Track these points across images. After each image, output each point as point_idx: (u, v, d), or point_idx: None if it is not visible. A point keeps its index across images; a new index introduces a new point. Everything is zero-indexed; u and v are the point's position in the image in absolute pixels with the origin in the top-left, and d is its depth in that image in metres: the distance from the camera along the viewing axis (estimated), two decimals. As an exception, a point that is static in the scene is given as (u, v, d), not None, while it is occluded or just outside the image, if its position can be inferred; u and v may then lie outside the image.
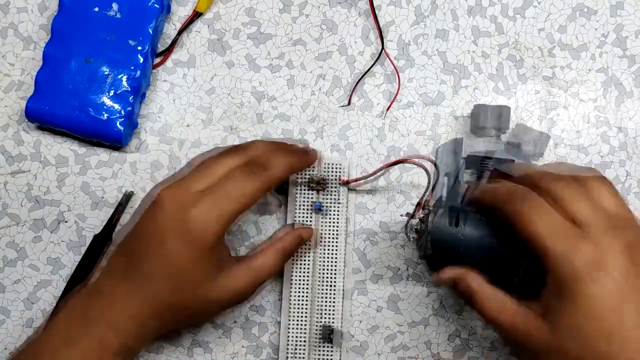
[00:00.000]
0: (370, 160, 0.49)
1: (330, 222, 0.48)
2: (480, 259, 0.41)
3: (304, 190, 0.48)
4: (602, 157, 0.49)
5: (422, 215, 0.43)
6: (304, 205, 0.47)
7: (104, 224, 0.48)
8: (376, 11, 0.50)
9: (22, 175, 0.49)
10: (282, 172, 0.43)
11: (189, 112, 0.50)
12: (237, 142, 0.49)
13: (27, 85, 0.50)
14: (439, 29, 0.50)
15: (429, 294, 0.48)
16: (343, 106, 0.48)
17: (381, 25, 0.50)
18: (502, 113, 0.46)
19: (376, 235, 0.49)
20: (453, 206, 0.42)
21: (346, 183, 0.48)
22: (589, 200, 0.37)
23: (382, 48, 0.49)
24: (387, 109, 0.49)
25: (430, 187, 0.44)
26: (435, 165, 0.43)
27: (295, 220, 0.47)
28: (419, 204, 0.44)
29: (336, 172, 0.48)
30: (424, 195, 0.44)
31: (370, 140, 0.49)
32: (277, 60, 0.50)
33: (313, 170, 0.47)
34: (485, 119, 0.46)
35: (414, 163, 0.45)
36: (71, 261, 0.48)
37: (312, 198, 0.48)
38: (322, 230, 0.47)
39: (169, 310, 0.41)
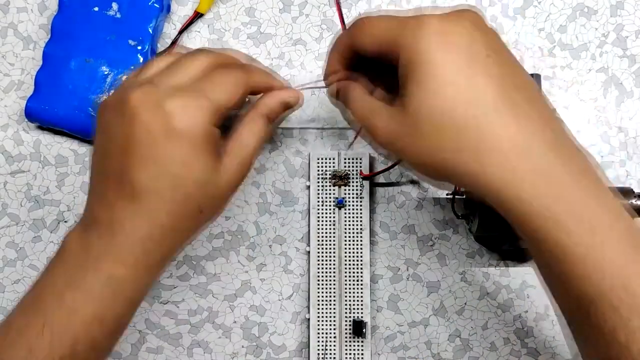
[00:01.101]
0: (373, 160, 0.49)
1: (353, 217, 0.47)
2: None
3: (326, 185, 0.48)
4: (602, 157, 0.49)
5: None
6: (326, 201, 0.48)
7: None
8: (377, 11, 0.50)
9: (21, 175, 0.49)
10: (261, 77, 0.40)
11: None
12: None
13: (27, 85, 0.50)
14: (439, 29, 0.50)
15: (429, 294, 0.48)
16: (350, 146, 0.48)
17: None
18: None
19: (376, 235, 0.49)
20: None
21: (368, 177, 0.48)
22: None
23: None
24: (355, 138, 0.49)
25: None
26: None
27: (317, 218, 0.47)
28: None
29: (357, 166, 0.48)
30: None
31: (371, 140, 0.49)
32: (277, 60, 0.50)
33: (334, 166, 0.48)
34: None
35: None
36: None
37: (334, 194, 0.48)
38: (346, 225, 0.47)
39: (182, 221, 0.37)
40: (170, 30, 0.50)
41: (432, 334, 0.48)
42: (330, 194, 0.48)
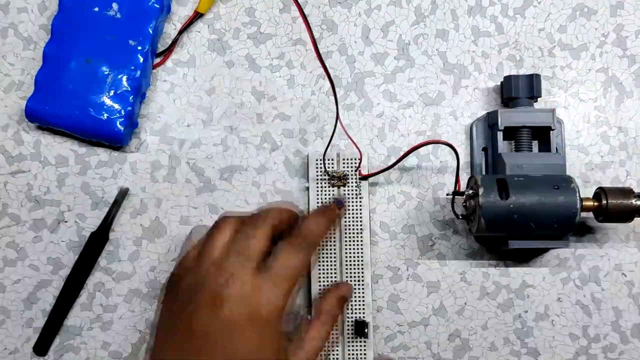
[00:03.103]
0: (370, 160, 0.49)
1: (353, 217, 0.47)
2: (535, 221, 0.42)
3: (324, 186, 0.47)
4: (602, 157, 0.49)
5: (471, 192, 0.44)
6: (325, 202, 0.47)
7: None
8: (376, 11, 0.50)
9: (22, 175, 0.49)
10: (321, 235, 0.43)
11: (189, 112, 0.49)
12: (236, 142, 0.49)
13: (27, 85, 0.49)
14: (439, 29, 0.50)
15: (429, 294, 0.48)
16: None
17: (381, 26, 0.50)
18: (533, 81, 0.46)
19: (376, 235, 0.49)
20: (499, 179, 0.43)
21: (366, 177, 0.47)
22: None
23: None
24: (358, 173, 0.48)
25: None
26: (453, 147, 0.44)
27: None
28: (457, 180, 0.45)
29: (354, 166, 0.48)
30: (457, 170, 0.45)
31: (371, 141, 0.49)
32: (277, 60, 0.50)
33: (332, 167, 0.47)
34: (517, 89, 0.47)
35: (440, 142, 0.46)
36: (71, 261, 0.48)
37: (333, 195, 0.47)
38: (346, 225, 0.47)
39: None
40: (170, 30, 0.50)
41: (432, 334, 0.48)
42: (329, 194, 0.48)
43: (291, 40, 0.50)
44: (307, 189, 0.48)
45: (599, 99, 0.49)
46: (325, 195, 0.47)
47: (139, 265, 0.48)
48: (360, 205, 0.47)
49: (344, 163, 0.48)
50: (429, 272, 0.48)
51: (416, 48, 0.50)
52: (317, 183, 0.48)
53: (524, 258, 0.48)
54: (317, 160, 0.48)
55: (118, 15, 0.48)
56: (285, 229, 0.42)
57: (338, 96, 0.49)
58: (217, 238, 0.41)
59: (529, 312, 0.48)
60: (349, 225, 0.47)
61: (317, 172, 0.48)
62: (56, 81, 0.47)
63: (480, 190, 0.43)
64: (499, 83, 0.49)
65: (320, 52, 0.49)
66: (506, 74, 0.49)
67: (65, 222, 0.49)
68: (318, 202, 0.47)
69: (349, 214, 0.47)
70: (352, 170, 0.48)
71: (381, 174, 0.48)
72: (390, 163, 0.46)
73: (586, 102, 0.49)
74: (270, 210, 0.42)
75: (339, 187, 0.47)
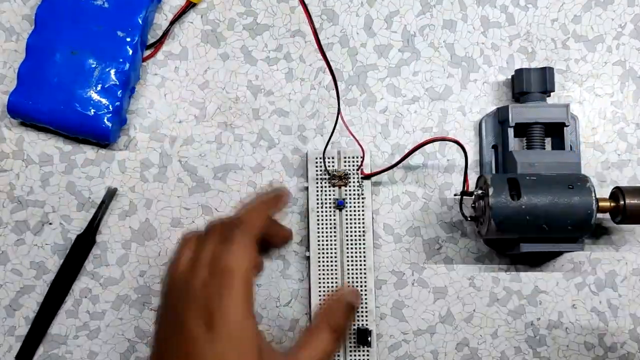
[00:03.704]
0: (373, 158, 0.47)
1: (355, 219, 0.46)
2: (548, 222, 0.41)
3: (324, 186, 0.46)
4: (619, 155, 0.48)
5: (480, 192, 0.43)
6: (325, 202, 0.46)
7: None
8: (379, 0, 0.49)
9: (3, 175, 0.48)
10: (258, 220, 0.40)
11: (181, 107, 0.48)
12: (231, 140, 0.48)
13: (9, 78, 0.48)
14: (446, 20, 0.49)
15: (436, 300, 0.47)
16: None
17: (385, 16, 0.48)
18: (546, 75, 0.45)
19: (380, 238, 0.47)
20: (510, 178, 0.42)
21: (368, 176, 0.46)
22: None
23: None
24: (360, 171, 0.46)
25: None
26: (461, 145, 0.43)
27: (317, 220, 0.45)
28: (465, 180, 0.44)
29: (356, 164, 0.46)
30: (465, 169, 0.44)
31: (374, 138, 0.48)
32: (275, 52, 0.48)
33: (332, 165, 0.46)
34: (529, 83, 0.45)
35: (447, 140, 0.44)
36: (56, 265, 0.47)
37: (333, 195, 0.46)
38: (347, 227, 0.46)
39: None
40: (161, 20, 0.49)
41: (439, 343, 0.47)
42: (329, 194, 0.46)
43: (289, 32, 0.49)
44: (306, 189, 0.46)
45: (616, 93, 0.48)
46: (326, 195, 0.46)
47: (127, 270, 0.47)
48: (363, 207, 0.46)
49: (345, 161, 0.46)
50: (436, 277, 0.47)
51: (422, 40, 0.49)
52: (317, 183, 0.46)
53: (537, 262, 0.47)
54: (316, 158, 0.46)
55: (106, 5, 0.47)
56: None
57: (339, 90, 0.48)
58: (195, 251, 0.39)
59: (541, 319, 0.47)
60: (351, 228, 0.46)
61: (316, 171, 0.46)
62: (40, 74, 0.46)
63: (490, 190, 0.42)
64: (509, 77, 0.48)
65: (320, 44, 0.48)
66: (517, 67, 0.48)
67: (50, 224, 0.47)
68: (318, 203, 0.46)
69: (350, 215, 0.45)
70: (353, 169, 0.46)
71: (385, 173, 0.46)
72: (394, 161, 0.45)
73: (602, 97, 0.48)
74: (250, 216, 0.40)
75: (339, 187, 0.46)
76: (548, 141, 0.47)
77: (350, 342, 0.45)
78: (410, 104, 0.48)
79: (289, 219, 0.47)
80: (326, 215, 0.46)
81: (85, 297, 0.47)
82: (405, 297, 0.47)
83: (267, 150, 0.48)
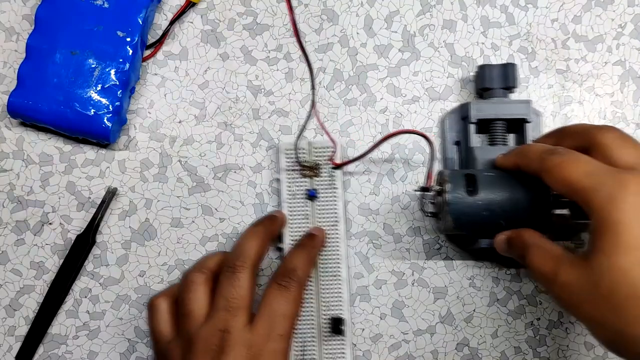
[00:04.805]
0: (373, 157, 0.47)
1: (327, 209, 0.46)
2: (505, 217, 0.40)
3: (296, 177, 0.46)
4: (619, 155, 0.47)
5: (438, 188, 0.42)
6: (297, 193, 0.46)
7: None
8: (379, 0, 0.48)
9: (3, 175, 0.47)
10: (258, 252, 0.42)
11: (181, 107, 0.48)
12: (232, 139, 0.48)
13: (9, 79, 0.48)
14: (446, 20, 0.48)
15: (436, 300, 0.46)
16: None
17: (385, 16, 0.48)
18: (508, 71, 0.45)
19: (380, 238, 0.47)
20: (467, 174, 0.41)
21: (339, 166, 0.45)
22: (632, 147, 0.36)
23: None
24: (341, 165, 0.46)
25: (435, 155, 0.43)
26: (427, 139, 0.42)
27: (289, 209, 0.45)
28: (428, 175, 0.43)
29: (326, 155, 0.46)
30: (430, 164, 0.42)
31: (374, 137, 0.47)
32: (275, 52, 0.48)
33: (304, 156, 0.45)
34: (491, 79, 0.45)
35: (413, 132, 0.43)
36: (56, 265, 0.47)
37: (305, 185, 0.46)
38: (320, 218, 0.45)
39: None
40: (161, 20, 0.48)
41: (439, 343, 0.46)
42: (301, 185, 0.46)
43: (289, 32, 0.48)
44: (278, 180, 0.46)
45: (616, 93, 0.48)
46: (297, 186, 0.46)
47: (127, 270, 0.47)
48: (335, 196, 0.46)
49: (316, 153, 0.46)
50: (436, 277, 0.47)
51: (422, 39, 0.48)
52: (288, 174, 0.46)
53: (508, 261, 0.46)
54: (286, 150, 0.46)
55: (105, 5, 0.46)
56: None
57: (339, 90, 0.48)
58: (197, 292, 0.41)
59: (541, 319, 0.46)
60: (324, 218, 0.45)
61: (287, 162, 0.46)
62: (40, 75, 0.46)
63: (448, 186, 0.41)
64: (509, 77, 0.47)
65: (320, 43, 0.48)
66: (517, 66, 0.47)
67: (50, 224, 0.47)
68: (289, 194, 0.46)
69: (322, 206, 0.46)
70: (324, 160, 0.46)
71: (385, 173, 0.46)
72: (394, 161, 0.45)
73: (602, 97, 0.48)
74: (247, 247, 0.42)
75: (311, 177, 0.46)
76: (512, 138, 0.46)
77: (324, 332, 0.45)
78: (410, 104, 0.48)
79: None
80: (298, 206, 0.45)
81: (85, 297, 0.46)
82: (405, 297, 0.47)
83: (267, 150, 0.47)
